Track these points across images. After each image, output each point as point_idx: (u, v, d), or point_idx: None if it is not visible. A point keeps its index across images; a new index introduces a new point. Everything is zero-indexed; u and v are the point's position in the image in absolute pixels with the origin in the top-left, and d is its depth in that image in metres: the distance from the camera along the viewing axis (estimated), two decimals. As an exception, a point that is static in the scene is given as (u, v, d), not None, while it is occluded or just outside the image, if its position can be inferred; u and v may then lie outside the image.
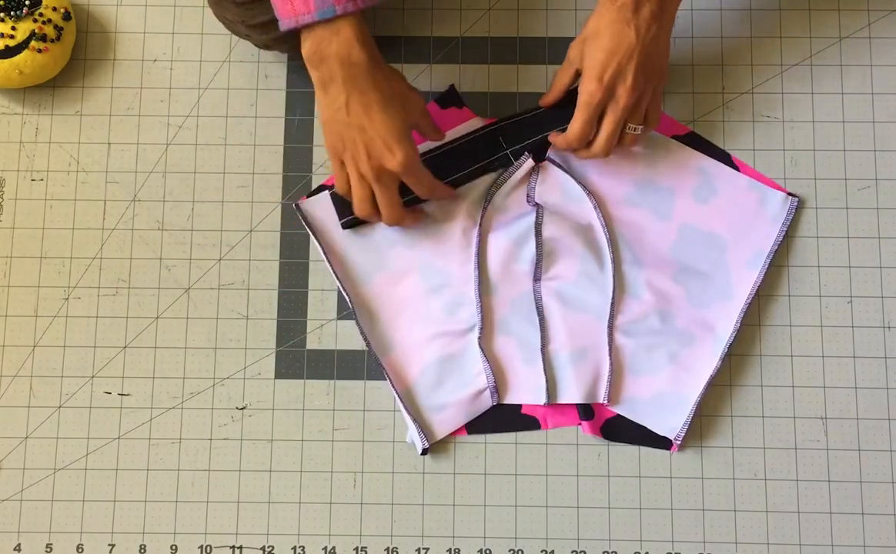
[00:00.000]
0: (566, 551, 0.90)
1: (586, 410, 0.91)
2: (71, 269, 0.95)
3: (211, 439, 0.92)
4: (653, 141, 0.96)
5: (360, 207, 0.87)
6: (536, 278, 0.93)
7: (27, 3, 0.94)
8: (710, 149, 0.96)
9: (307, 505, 0.91)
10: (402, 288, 0.94)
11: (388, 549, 0.91)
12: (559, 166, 0.94)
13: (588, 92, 0.85)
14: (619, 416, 0.91)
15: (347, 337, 0.94)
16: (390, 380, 0.91)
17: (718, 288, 0.93)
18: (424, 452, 0.90)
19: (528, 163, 0.94)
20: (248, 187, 0.97)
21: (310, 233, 0.94)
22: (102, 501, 0.91)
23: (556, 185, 0.95)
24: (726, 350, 0.91)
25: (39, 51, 0.95)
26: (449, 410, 0.91)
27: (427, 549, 0.90)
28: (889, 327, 0.93)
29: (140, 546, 0.91)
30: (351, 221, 0.93)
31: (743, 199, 0.95)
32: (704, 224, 0.94)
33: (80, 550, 0.91)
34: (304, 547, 0.91)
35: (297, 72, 0.99)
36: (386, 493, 0.91)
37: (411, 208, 0.91)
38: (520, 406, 0.92)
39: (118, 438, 0.92)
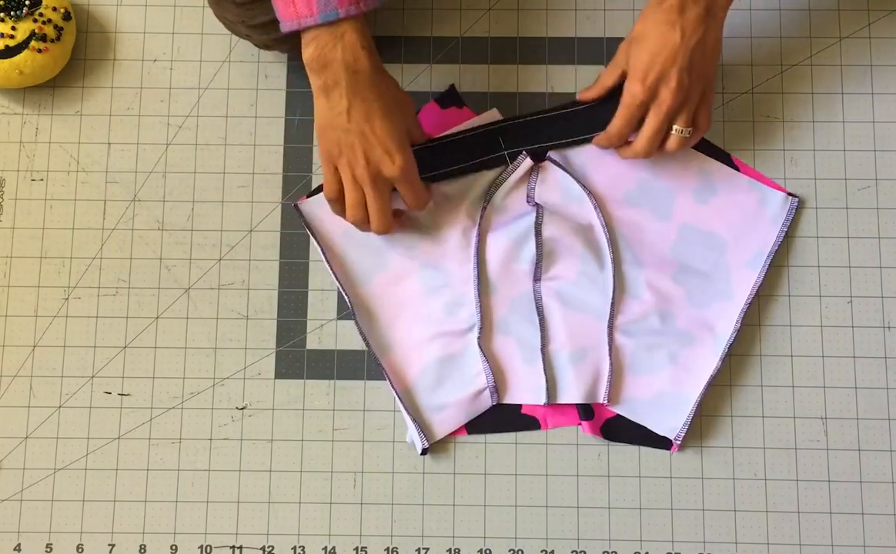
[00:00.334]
0: (566, 551, 0.90)
1: (586, 410, 0.91)
2: (71, 269, 0.95)
3: (211, 439, 0.92)
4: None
5: (352, 212, 0.86)
6: (536, 278, 0.93)
7: (27, 3, 0.94)
8: (710, 149, 0.96)
9: (307, 505, 0.91)
10: (402, 288, 0.94)
11: (388, 549, 0.90)
12: (559, 166, 0.94)
13: (631, 93, 0.85)
14: (619, 416, 0.91)
15: (347, 337, 0.94)
16: (390, 380, 0.91)
17: (718, 288, 0.93)
18: (424, 452, 0.90)
19: (527, 162, 0.94)
20: (248, 187, 0.97)
21: (309, 233, 0.94)
22: (102, 501, 0.91)
23: (556, 185, 0.95)
24: (726, 350, 0.91)
25: (39, 51, 0.95)
26: (449, 410, 0.91)
27: (427, 549, 0.90)
28: (889, 327, 0.93)
29: (140, 546, 0.91)
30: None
31: (743, 200, 0.95)
32: (704, 224, 0.94)
33: (80, 550, 0.91)
34: (304, 547, 0.91)
35: (297, 72, 0.98)
36: (386, 493, 0.91)
37: (398, 219, 0.91)
38: (520, 406, 0.92)
39: (118, 438, 0.92)
